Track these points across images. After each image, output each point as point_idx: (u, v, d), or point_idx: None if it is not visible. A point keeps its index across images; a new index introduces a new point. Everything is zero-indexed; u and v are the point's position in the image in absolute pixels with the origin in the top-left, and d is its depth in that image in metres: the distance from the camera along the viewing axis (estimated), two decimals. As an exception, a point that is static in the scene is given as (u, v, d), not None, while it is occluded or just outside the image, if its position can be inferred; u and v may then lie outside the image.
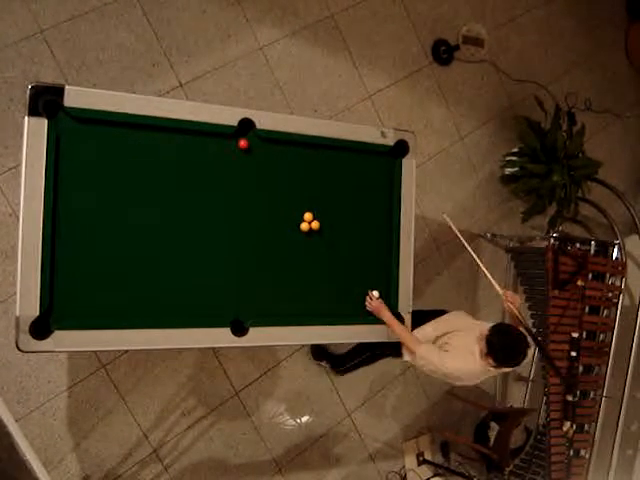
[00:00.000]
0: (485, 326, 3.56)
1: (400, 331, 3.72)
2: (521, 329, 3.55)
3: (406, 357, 3.92)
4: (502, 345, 3.38)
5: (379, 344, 4.00)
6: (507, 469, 5.19)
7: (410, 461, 5.39)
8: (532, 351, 3.60)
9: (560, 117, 5.66)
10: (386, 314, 3.72)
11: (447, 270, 5.65)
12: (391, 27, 5.39)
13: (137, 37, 4.36)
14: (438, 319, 4.01)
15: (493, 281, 3.75)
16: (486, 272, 3.82)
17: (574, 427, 5.21)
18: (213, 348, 4.49)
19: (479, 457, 5.44)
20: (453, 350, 3.62)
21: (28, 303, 2.94)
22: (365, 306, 3.75)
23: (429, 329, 3.92)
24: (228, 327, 3.34)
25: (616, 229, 5.57)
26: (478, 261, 3.93)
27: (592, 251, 5.40)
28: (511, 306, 3.62)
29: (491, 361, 3.42)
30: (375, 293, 3.75)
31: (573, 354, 5.18)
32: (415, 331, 3.88)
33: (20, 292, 2.93)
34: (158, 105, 3.28)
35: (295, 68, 4.93)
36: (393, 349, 3.99)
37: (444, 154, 5.66)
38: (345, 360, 4.61)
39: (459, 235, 3.99)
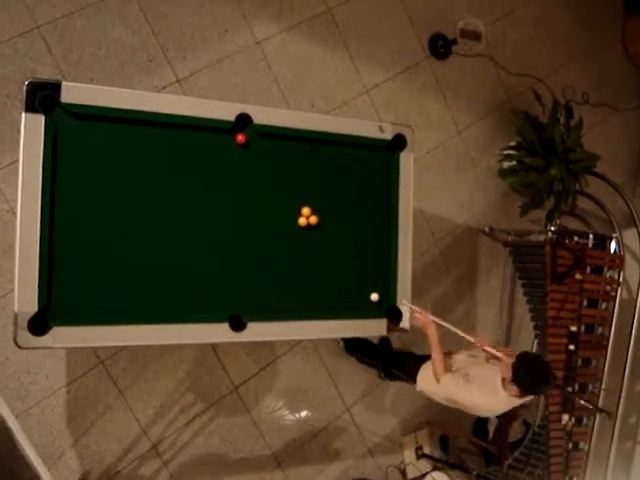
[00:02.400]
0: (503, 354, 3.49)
1: (436, 351, 3.70)
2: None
3: (419, 387, 3.91)
4: (530, 375, 3.31)
5: (404, 366, 4.04)
6: (506, 462, 5.21)
7: (409, 455, 5.40)
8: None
9: (558, 111, 5.66)
10: (432, 332, 3.71)
11: (445, 263, 5.65)
12: (388, 21, 5.38)
13: (134, 32, 4.35)
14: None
15: (464, 334, 3.72)
16: (453, 328, 3.77)
17: (573, 420, 5.22)
18: (212, 343, 4.49)
19: (478, 451, 5.45)
20: (476, 382, 3.54)
21: (26, 299, 2.94)
22: (364, 300, 3.73)
23: (460, 356, 3.90)
24: (226, 322, 3.34)
25: (614, 222, 5.59)
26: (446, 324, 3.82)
27: (590, 244, 5.42)
28: (489, 349, 3.59)
29: (516, 389, 3.35)
30: (374, 296, 3.75)
31: (572, 347, 5.20)
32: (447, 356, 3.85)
33: (18, 288, 2.93)
34: (155, 100, 3.28)
35: (292, 63, 4.92)
36: (410, 375, 4.00)
37: (442, 148, 5.66)
38: (361, 349, 4.66)
39: (413, 307, 3.82)
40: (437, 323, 3.77)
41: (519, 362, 3.34)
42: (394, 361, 4.15)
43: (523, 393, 3.38)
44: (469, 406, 3.57)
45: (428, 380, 3.81)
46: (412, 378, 4.00)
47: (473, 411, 3.65)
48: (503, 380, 3.43)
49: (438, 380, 3.66)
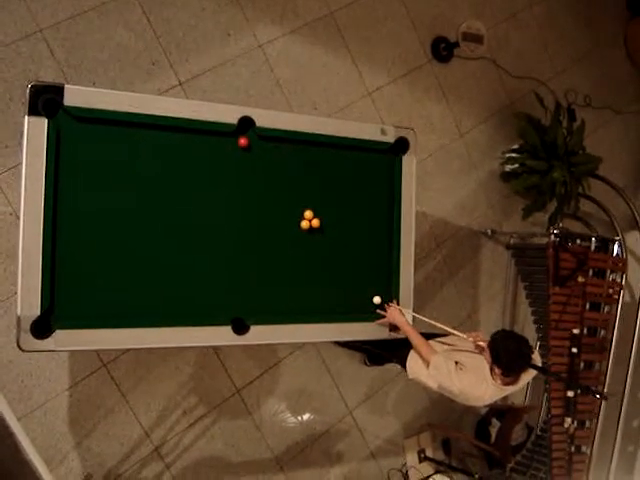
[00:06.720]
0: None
1: (416, 338, 3.67)
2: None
3: (410, 373, 3.85)
4: (505, 349, 3.28)
5: (392, 349, 4.01)
6: (508, 465, 5.20)
7: (411, 458, 5.40)
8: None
9: (560, 113, 5.67)
10: (401, 320, 3.71)
11: (447, 266, 5.65)
12: (391, 25, 5.39)
13: (136, 36, 4.35)
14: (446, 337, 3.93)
15: (456, 332, 3.69)
16: (446, 327, 3.73)
17: (575, 423, 5.22)
18: (214, 346, 4.49)
19: (481, 454, 5.44)
20: (467, 370, 3.49)
21: (29, 302, 2.94)
22: (366, 302, 3.74)
23: (447, 339, 3.86)
24: (229, 325, 3.34)
25: (616, 225, 5.58)
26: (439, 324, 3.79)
27: (593, 247, 5.40)
28: (481, 343, 3.59)
29: (498, 370, 3.34)
30: (377, 299, 3.75)
31: (574, 350, 5.19)
32: (432, 341, 3.81)
33: (21, 291, 2.94)
34: (158, 103, 3.28)
35: (295, 66, 4.92)
36: (400, 358, 3.96)
37: (444, 151, 5.66)
38: None
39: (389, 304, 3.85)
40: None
41: (494, 339, 3.37)
42: (385, 345, 4.10)
43: (506, 374, 3.35)
44: (457, 393, 3.50)
45: (418, 365, 3.75)
46: (403, 363, 3.96)
47: (461, 399, 3.58)
48: (491, 370, 3.42)
49: (428, 363, 3.61)
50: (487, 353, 3.38)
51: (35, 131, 2.95)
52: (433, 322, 3.73)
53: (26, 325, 2.93)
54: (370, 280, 3.79)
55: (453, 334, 3.70)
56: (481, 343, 3.57)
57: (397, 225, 3.84)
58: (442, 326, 3.72)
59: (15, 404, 3.96)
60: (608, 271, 5.42)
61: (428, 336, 3.84)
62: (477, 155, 5.88)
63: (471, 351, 3.65)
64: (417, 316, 3.83)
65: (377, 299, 3.75)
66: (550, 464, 5.19)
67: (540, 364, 3.57)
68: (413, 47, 5.53)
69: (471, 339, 3.61)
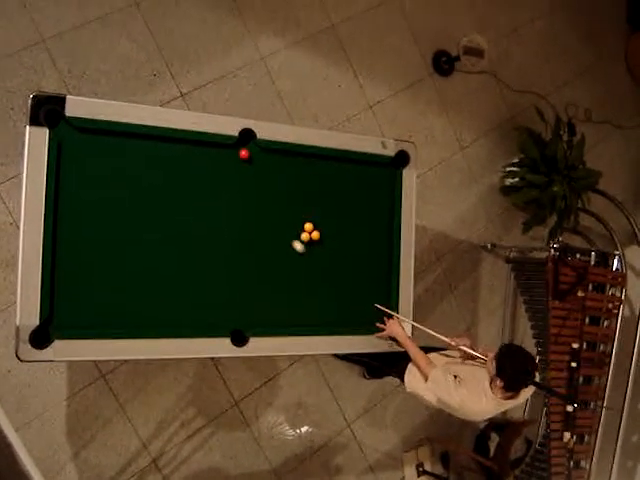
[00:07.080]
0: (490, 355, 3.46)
1: (415, 351, 3.65)
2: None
3: (408, 387, 3.82)
4: (511, 363, 3.26)
5: (391, 361, 3.99)
6: (507, 480, 5.18)
7: (410, 472, 5.37)
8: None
9: (560, 128, 5.67)
10: (400, 332, 3.69)
11: (447, 280, 5.64)
12: (392, 38, 5.41)
13: (138, 47, 4.37)
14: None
15: (440, 336, 3.69)
16: (429, 330, 3.73)
17: (574, 438, 5.20)
18: (213, 358, 4.48)
19: (479, 468, 5.42)
20: (466, 383, 3.45)
21: (28, 312, 2.94)
22: (366, 315, 3.72)
23: (442, 358, 3.81)
24: (228, 337, 3.33)
25: (616, 240, 5.58)
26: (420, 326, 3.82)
27: (592, 262, 5.41)
28: (465, 348, 3.61)
29: (499, 383, 3.30)
30: (299, 246, 3.54)
31: (573, 365, 5.19)
32: (431, 354, 3.79)
33: (20, 301, 2.93)
34: (159, 115, 3.29)
35: (296, 78, 4.93)
36: (398, 371, 3.93)
37: (444, 165, 5.67)
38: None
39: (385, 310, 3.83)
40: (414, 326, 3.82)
41: (502, 352, 3.34)
42: (384, 358, 4.08)
43: (507, 389, 3.32)
44: (457, 407, 3.47)
45: (416, 378, 3.73)
46: (401, 376, 3.94)
47: (460, 413, 3.56)
48: (491, 383, 3.40)
49: (426, 377, 3.58)
50: (491, 364, 3.37)
51: (36, 141, 2.95)
52: (429, 330, 3.71)
53: (25, 335, 2.92)
54: (370, 293, 3.78)
55: (439, 338, 3.68)
56: (464, 348, 3.58)
57: (397, 238, 3.83)
58: (429, 330, 3.70)
59: (13, 414, 3.94)
60: (608, 285, 5.43)
61: (427, 349, 3.82)
62: (477, 169, 5.88)
63: (470, 364, 3.65)
64: (415, 324, 3.81)
65: (299, 246, 3.57)
66: (549, 479, 5.18)
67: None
68: (414, 60, 5.54)
69: (454, 343, 3.62)
